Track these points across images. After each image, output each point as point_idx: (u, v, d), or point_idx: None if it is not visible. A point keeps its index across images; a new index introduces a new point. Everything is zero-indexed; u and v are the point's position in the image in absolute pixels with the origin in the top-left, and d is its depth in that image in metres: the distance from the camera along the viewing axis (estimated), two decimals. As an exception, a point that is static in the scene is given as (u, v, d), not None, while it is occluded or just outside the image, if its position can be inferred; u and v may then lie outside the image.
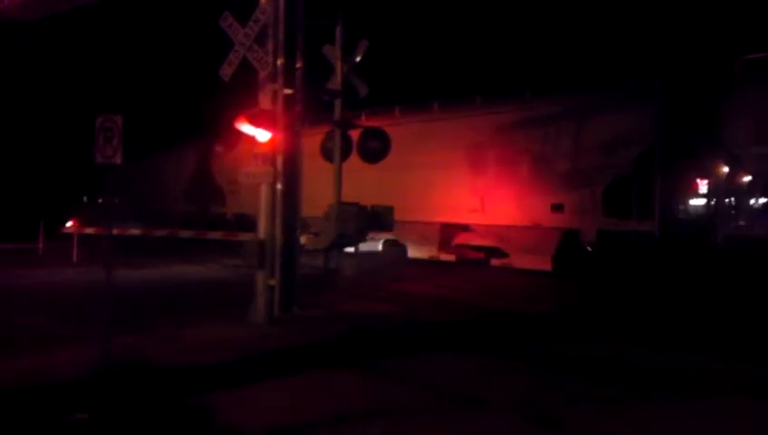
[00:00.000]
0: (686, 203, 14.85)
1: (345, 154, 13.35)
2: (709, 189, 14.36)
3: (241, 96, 11.21)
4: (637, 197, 14.05)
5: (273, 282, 10.40)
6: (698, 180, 14.39)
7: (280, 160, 10.54)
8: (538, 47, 25.18)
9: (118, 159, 7.37)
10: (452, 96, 19.25)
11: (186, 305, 11.78)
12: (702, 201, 14.78)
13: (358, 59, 12.79)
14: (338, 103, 12.85)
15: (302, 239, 12.20)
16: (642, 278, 13.88)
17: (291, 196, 10.84)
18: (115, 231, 9.65)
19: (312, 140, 13.71)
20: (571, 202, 15.31)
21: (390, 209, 13.29)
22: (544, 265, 15.85)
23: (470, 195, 17.28)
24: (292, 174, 10.87)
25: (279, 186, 10.54)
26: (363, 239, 13.83)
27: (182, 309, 11.29)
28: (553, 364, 8.17)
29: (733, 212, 14.17)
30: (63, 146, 31.10)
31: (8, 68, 31.10)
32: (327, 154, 13.35)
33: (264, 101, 10.64)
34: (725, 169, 13.83)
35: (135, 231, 16.91)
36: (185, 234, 17.42)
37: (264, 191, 10.57)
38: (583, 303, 13.18)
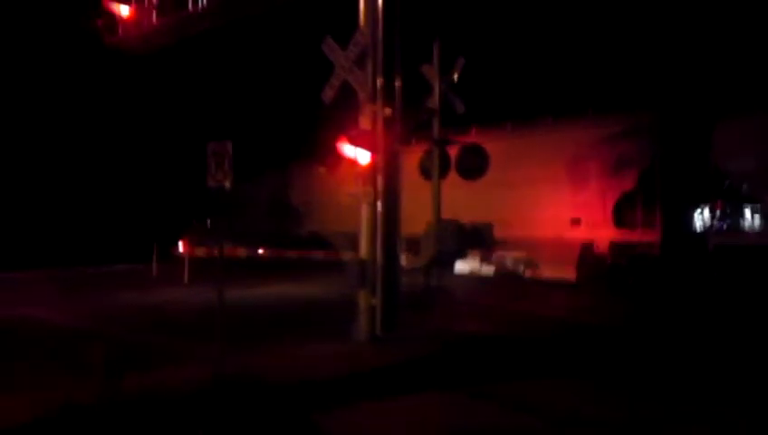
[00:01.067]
0: (684, 215, 15.86)
1: (443, 172, 13.36)
2: (702, 204, 15.54)
3: (337, 117, 11.45)
4: (642, 210, 15.81)
5: (374, 301, 10.47)
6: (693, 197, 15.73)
7: (380, 180, 10.64)
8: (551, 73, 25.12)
9: (228, 183, 7.67)
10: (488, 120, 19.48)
11: (290, 324, 12.09)
12: (698, 214, 15.78)
13: (455, 77, 12.82)
14: (436, 121, 12.90)
15: (401, 258, 12.26)
16: (649, 284, 14.84)
17: (391, 215, 10.91)
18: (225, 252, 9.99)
19: (410, 158, 13.79)
20: (587, 216, 16.71)
21: (490, 226, 13.19)
22: (569, 274, 16.74)
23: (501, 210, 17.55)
24: (391, 193, 10.94)
25: (379, 206, 10.64)
26: (463, 257, 13.74)
27: (287, 327, 11.58)
28: (651, 383, 7.96)
29: (723, 225, 15.26)
30: (176, 169, 32.57)
31: (124, 95, 33.07)
32: (426, 172, 13.39)
33: (364, 122, 10.80)
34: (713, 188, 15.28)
35: (242, 251, 17.48)
36: (291, 254, 17.87)
37: (364, 211, 10.70)
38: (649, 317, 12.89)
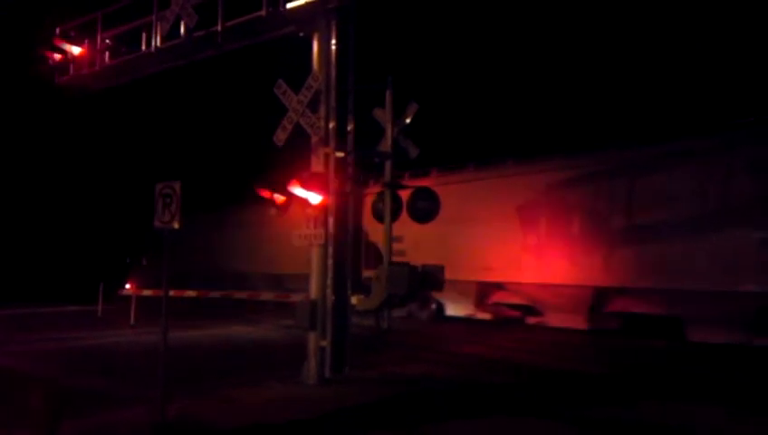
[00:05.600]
0: None
1: (395, 214, 13.43)
2: None
3: (287, 158, 11.52)
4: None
5: (324, 343, 10.43)
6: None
7: (331, 222, 10.70)
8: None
9: (175, 224, 7.60)
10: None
11: (239, 366, 11.92)
12: None
13: (408, 121, 12.97)
14: (388, 164, 13.00)
15: (353, 299, 12.24)
16: None
17: (342, 257, 10.94)
18: (171, 293, 9.85)
19: (363, 201, 13.90)
20: None
21: (441, 268, 13.22)
22: None
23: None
24: (342, 235, 10.99)
25: (330, 247, 10.66)
26: (414, 299, 13.77)
27: (235, 370, 11.42)
28: (610, 428, 8.00)
29: None
30: (123, 209, 32.20)
31: (71, 135, 32.67)
32: (378, 215, 13.44)
33: (317, 165, 10.87)
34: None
35: (190, 293, 17.23)
36: (239, 295, 17.68)
37: (315, 253, 10.72)
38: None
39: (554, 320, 17.64)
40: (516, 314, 18.90)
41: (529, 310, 18.58)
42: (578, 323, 16.85)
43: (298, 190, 10.49)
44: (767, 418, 8.50)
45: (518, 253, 17.46)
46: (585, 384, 10.77)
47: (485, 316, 19.27)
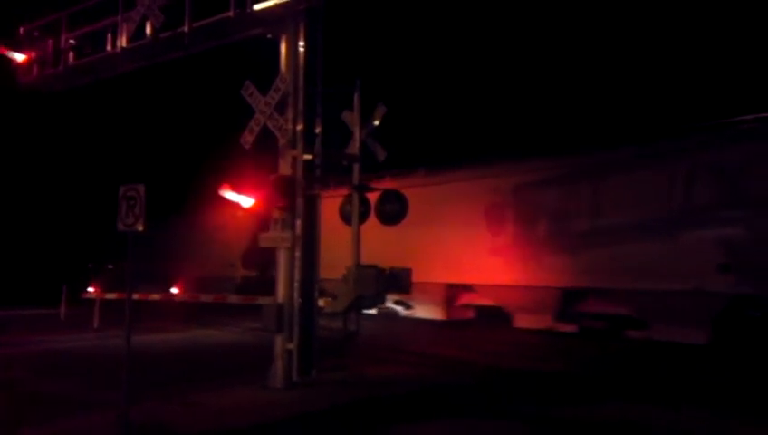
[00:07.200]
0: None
1: (363, 217, 13.44)
2: None
3: (256, 161, 11.46)
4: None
5: (291, 346, 10.39)
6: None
7: (299, 225, 10.67)
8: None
9: (139, 227, 7.53)
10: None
11: (205, 370, 11.82)
12: None
13: (376, 123, 12.99)
14: (356, 167, 13.00)
15: (320, 302, 12.22)
16: None
17: (309, 259, 10.92)
18: (136, 296, 9.72)
19: (331, 202, 13.89)
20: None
21: (408, 271, 13.27)
22: None
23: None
24: (310, 238, 10.97)
25: (297, 250, 10.63)
26: (382, 302, 13.80)
27: (202, 374, 11.33)
28: (574, 429, 8.10)
29: None
30: (86, 211, 31.71)
31: (35, 136, 32.09)
32: (345, 217, 13.44)
33: (284, 167, 10.84)
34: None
35: (155, 296, 16.99)
36: (205, 298, 17.48)
37: (282, 255, 10.68)
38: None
39: (420, 312, 20.29)
40: (397, 308, 21.29)
41: (405, 304, 20.93)
42: (437, 314, 19.65)
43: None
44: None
45: (401, 253, 18.29)
46: (548, 383, 10.91)
47: (372, 311, 21.14)
